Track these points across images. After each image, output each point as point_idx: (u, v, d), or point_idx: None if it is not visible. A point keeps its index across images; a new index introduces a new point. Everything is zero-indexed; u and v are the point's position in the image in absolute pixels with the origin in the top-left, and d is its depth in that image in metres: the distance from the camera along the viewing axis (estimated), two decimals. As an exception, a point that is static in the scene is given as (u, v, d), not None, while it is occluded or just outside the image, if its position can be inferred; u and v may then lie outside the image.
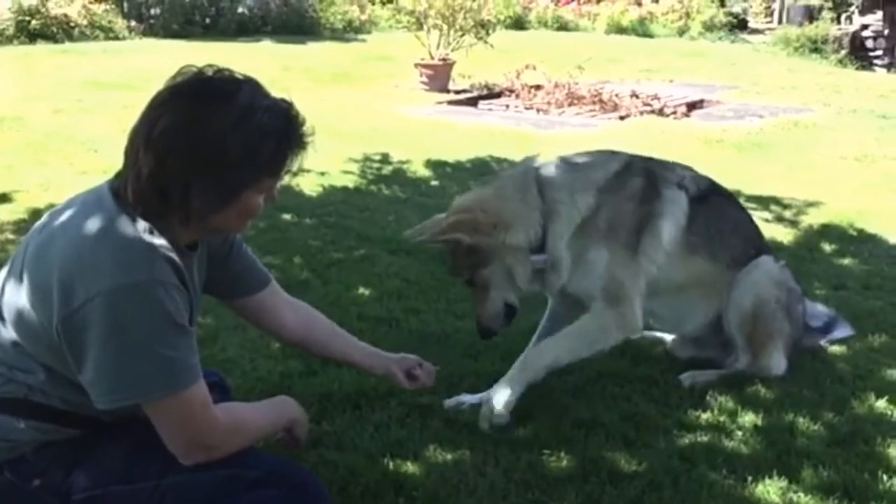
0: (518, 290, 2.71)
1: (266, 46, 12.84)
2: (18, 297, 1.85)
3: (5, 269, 1.95)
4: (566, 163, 2.81)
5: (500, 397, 2.61)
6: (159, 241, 1.81)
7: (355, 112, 7.74)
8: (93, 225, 1.80)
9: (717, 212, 2.95)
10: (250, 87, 1.85)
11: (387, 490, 2.30)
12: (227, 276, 2.17)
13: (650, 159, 2.96)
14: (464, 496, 2.30)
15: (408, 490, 2.30)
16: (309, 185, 5.44)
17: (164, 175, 1.79)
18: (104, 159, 5.55)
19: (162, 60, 8.86)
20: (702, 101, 9.73)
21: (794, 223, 5.08)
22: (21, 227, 4.34)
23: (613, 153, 2.90)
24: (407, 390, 2.50)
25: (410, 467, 2.42)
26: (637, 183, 2.75)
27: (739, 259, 2.98)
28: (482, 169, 6.26)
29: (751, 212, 5.16)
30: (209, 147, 1.78)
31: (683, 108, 9.14)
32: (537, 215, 2.66)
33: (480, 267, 2.65)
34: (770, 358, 2.97)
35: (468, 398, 2.77)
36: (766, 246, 3.18)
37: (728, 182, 5.78)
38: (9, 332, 1.86)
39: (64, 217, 1.88)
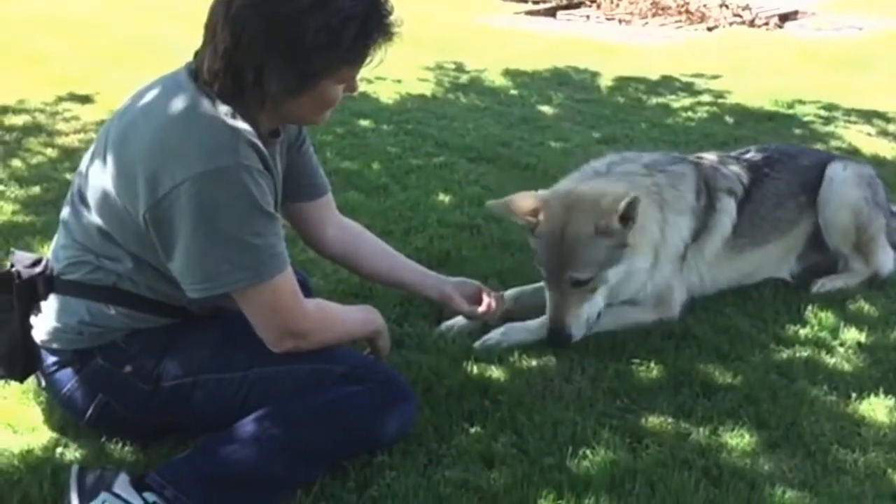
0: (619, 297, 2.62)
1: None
2: (103, 181, 1.82)
3: (88, 155, 1.92)
4: (670, 178, 2.73)
5: (517, 336, 2.52)
6: (242, 125, 1.76)
7: (430, 21, 7.51)
8: (174, 109, 1.75)
9: (761, 200, 2.89)
10: None
11: (472, 393, 2.25)
12: (291, 174, 2.08)
13: (703, 161, 2.88)
14: (550, 402, 2.24)
15: (493, 394, 2.26)
16: (385, 92, 5.34)
17: (238, 53, 1.71)
18: (182, 63, 5.52)
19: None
20: (796, 13, 9.17)
21: (898, 138, 4.77)
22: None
23: (682, 161, 2.84)
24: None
25: (495, 372, 2.37)
26: (703, 202, 2.76)
27: (793, 218, 2.96)
28: (561, 79, 6.05)
29: (850, 126, 4.97)
30: (285, 27, 1.69)
31: (776, 20, 8.63)
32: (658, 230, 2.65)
33: (611, 265, 2.49)
34: (878, 256, 2.97)
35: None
36: (822, 159, 3.11)
37: (825, 96, 5.59)
38: (95, 219, 1.85)
39: (146, 100, 1.84)
